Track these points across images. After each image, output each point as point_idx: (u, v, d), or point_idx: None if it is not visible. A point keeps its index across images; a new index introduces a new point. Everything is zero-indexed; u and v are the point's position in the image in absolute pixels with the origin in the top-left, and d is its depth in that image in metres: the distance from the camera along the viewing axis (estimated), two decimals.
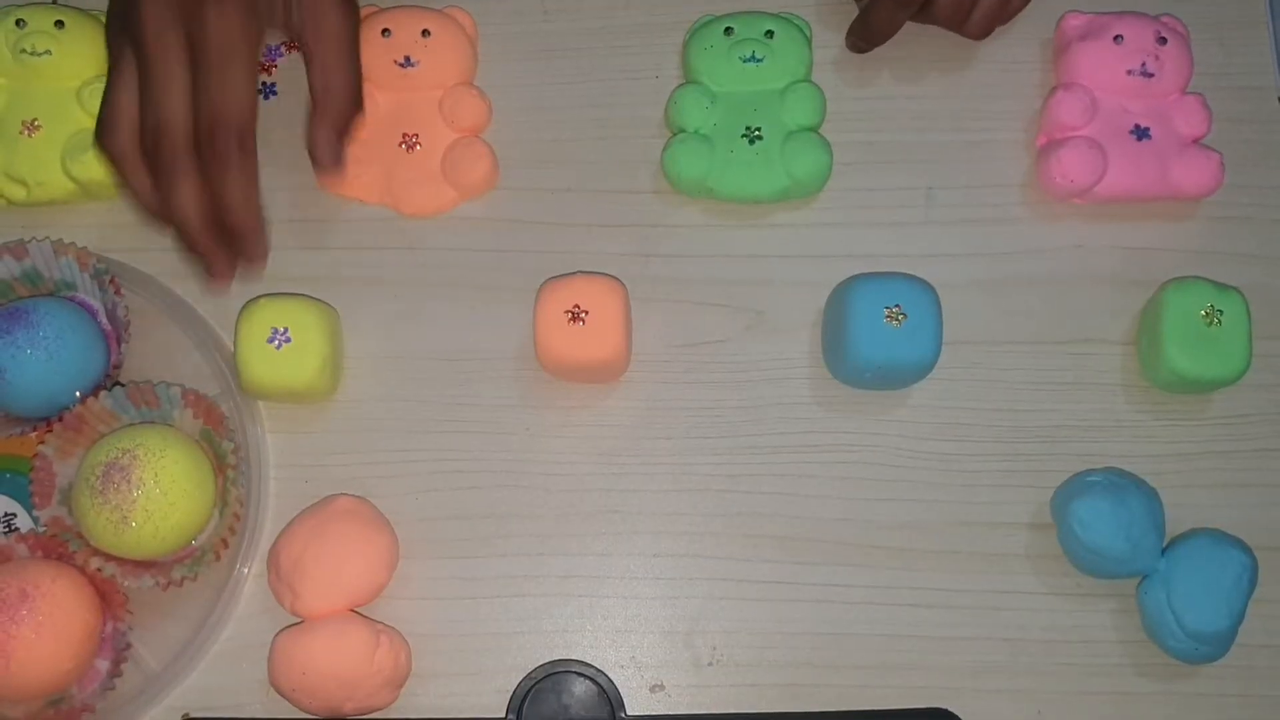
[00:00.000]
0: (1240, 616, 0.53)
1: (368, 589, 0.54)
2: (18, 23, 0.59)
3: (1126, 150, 0.58)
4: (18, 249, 0.57)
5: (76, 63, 0.59)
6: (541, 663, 0.54)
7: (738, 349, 0.58)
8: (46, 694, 0.52)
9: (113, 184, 0.58)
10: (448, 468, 0.57)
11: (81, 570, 0.53)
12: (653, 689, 0.55)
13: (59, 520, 0.53)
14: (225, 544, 0.54)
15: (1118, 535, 0.53)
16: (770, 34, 0.59)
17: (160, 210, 0.53)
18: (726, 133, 0.58)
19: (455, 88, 0.60)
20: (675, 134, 0.59)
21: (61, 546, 0.53)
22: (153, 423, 0.55)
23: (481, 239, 0.60)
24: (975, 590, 0.56)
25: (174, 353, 0.58)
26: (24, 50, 0.58)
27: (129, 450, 0.52)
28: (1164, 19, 0.60)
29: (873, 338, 0.54)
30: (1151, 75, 0.59)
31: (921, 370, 0.56)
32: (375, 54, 0.59)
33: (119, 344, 0.56)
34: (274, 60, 0.62)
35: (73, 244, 0.57)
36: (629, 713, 0.54)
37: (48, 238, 0.57)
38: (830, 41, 0.62)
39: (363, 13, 0.61)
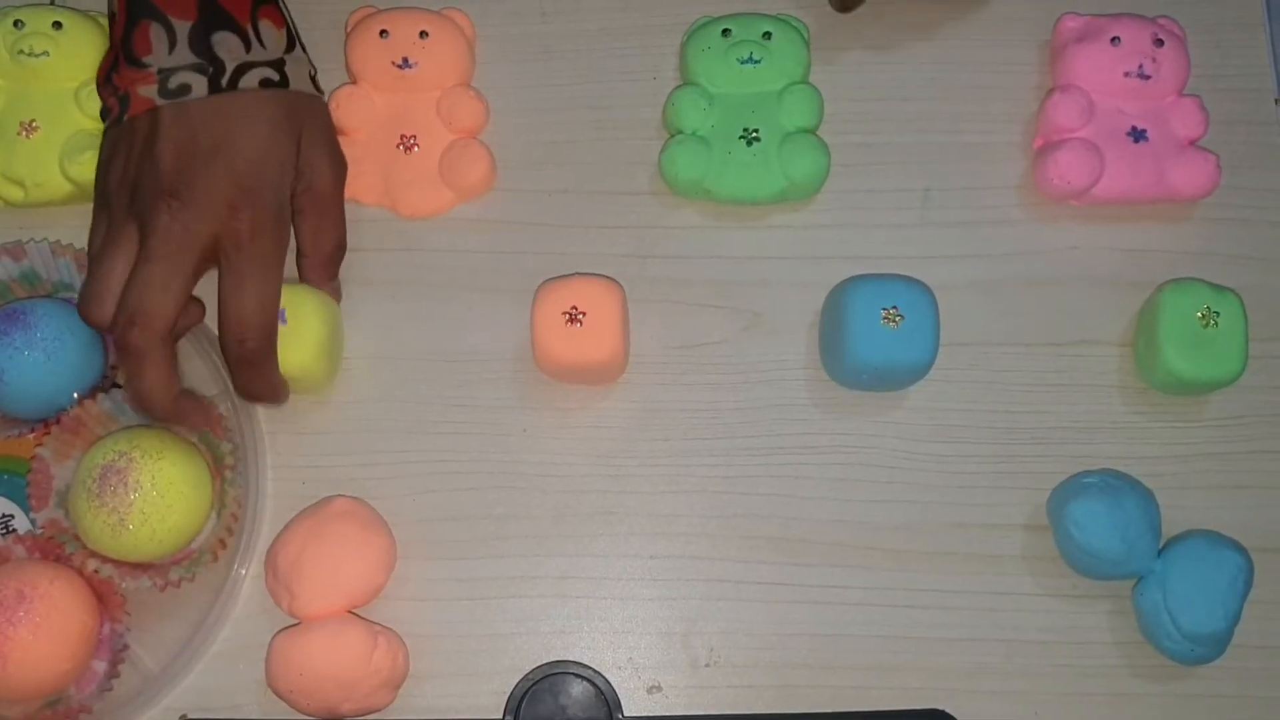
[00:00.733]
0: (1236, 618, 0.53)
1: (365, 590, 0.54)
2: (16, 24, 0.59)
3: (1123, 152, 0.58)
4: (15, 250, 0.57)
5: (74, 64, 0.59)
6: (539, 664, 0.54)
7: (735, 350, 0.58)
8: (44, 695, 0.52)
9: None
10: (445, 469, 0.57)
11: (79, 572, 0.53)
12: (650, 690, 0.55)
13: (56, 522, 0.53)
14: (223, 545, 0.54)
15: (1113, 537, 0.53)
16: (768, 36, 0.59)
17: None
18: (724, 134, 0.58)
19: (453, 89, 0.60)
20: (673, 135, 0.59)
21: (59, 548, 0.53)
22: (150, 425, 0.55)
23: (479, 240, 0.60)
24: (971, 591, 0.56)
25: None
26: (22, 51, 0.58)
27: (126, 453, 0.52)
28: (1161, 21, 0.60)
29: (870, 339, 0.54)
30: (1148, 77, 0.59)
31: (918, 371, 0.56)
32: (373, 55, 0.60)
33: None
34: None
35: (70, 245, 0.57)
36: (626, 714, 0.54)
37: (45, 239, 0.57)
38: (828, 44, 0.62)
39: (360, 14, 0.61)
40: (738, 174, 0.58)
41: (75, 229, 0.59)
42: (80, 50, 0.59)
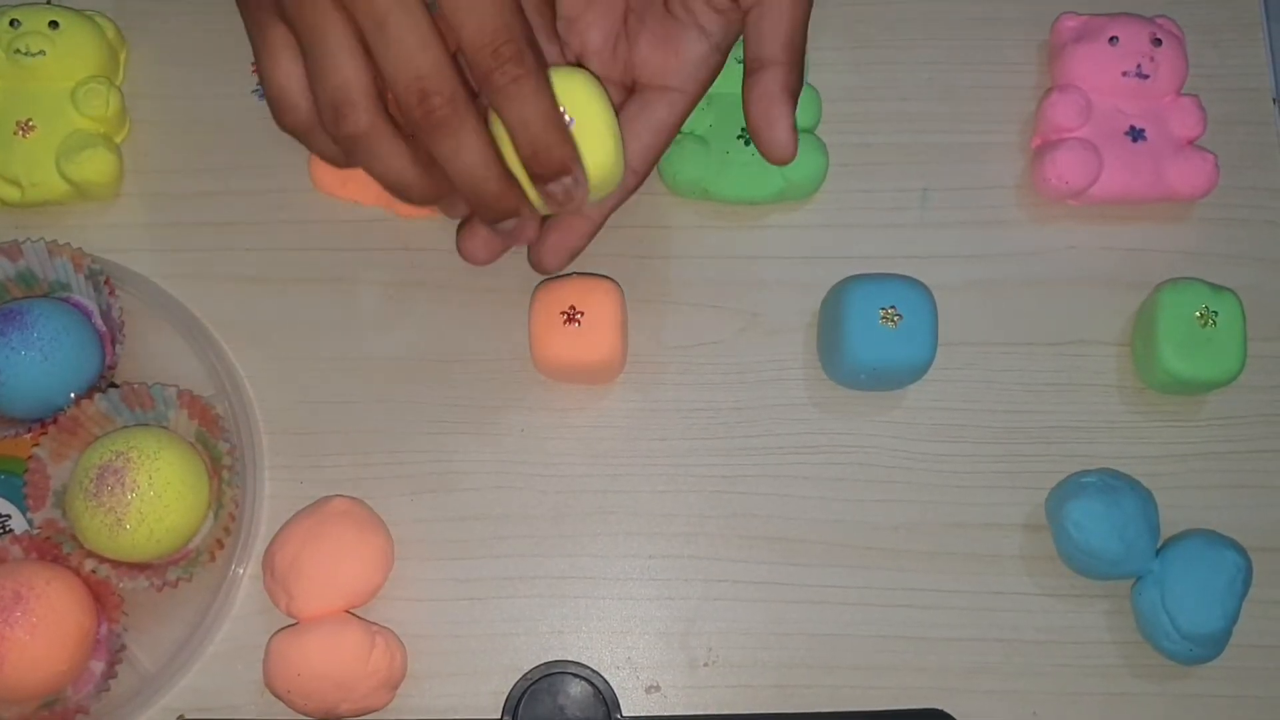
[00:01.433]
0: (1234, 617, 0.53)
1: (363, 590, 0.54)
2: (12, 23, 0.59)
3: (1121, 152, 0.59)
4: (12, 250, 0.56)
5: (71, 63, 0.59)
6: (537, 664, 0.54)
7: (733, 350, 0.58)
8: (41, 696, 0.52)
9: (110, 185, 0.58)
10: (443, 469, 0.57)
11: (76, 572, 0.53)
12: (648, 690, 0.55)
13: (53, 523, 0.53)
14: (220, 545, 0.54)
15: (1112, 536, 0.53)
16: None
17: (424, 181, 0.47)
18: (722, 134, 0.58)
19: None
20: None
21: (56, 548, 0.53)
22: (147, 425, 0.55)
23: None
24: (970, 591, 0.56)
25: (169, 354, 0.57)
26: (18, 50, 0.58)
27: (123, 453, 0.52)
28: (1159, 21, 0.60)
29: (868, 339, 0.54)
30: (1147, 77, 0.59)
31: (917, 371, 0.56)
32: None
33: (114, 345, 0.56)
34: None
35: (67, 245, 0.57)
36: (625, 713, 0.54)
37: (42, 239, 0.57)
38: (826, 43, 0.62)
39: None
40: (736, 174, 0.58)
41: (72, 229, 0.59)
42: (77, 50, 0.59)
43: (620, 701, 0.54)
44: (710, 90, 0.59)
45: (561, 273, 0.56)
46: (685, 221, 0.60)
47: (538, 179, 0.47)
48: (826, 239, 0.60)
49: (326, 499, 0.55)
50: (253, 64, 0.62)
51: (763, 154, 0.50)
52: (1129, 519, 0.53)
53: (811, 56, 0.60)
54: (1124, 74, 0.59)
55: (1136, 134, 0.59)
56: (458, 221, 0.60)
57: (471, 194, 0.47)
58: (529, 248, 0.53)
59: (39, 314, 0.54)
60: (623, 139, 0.49)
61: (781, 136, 0.49)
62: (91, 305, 0.57)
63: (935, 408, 0.58)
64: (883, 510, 0.57)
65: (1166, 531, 0.55)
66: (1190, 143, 0.59)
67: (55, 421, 0.54)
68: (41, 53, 0.58)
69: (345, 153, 0.46)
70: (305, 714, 0.53)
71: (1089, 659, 0.55)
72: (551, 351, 0.54)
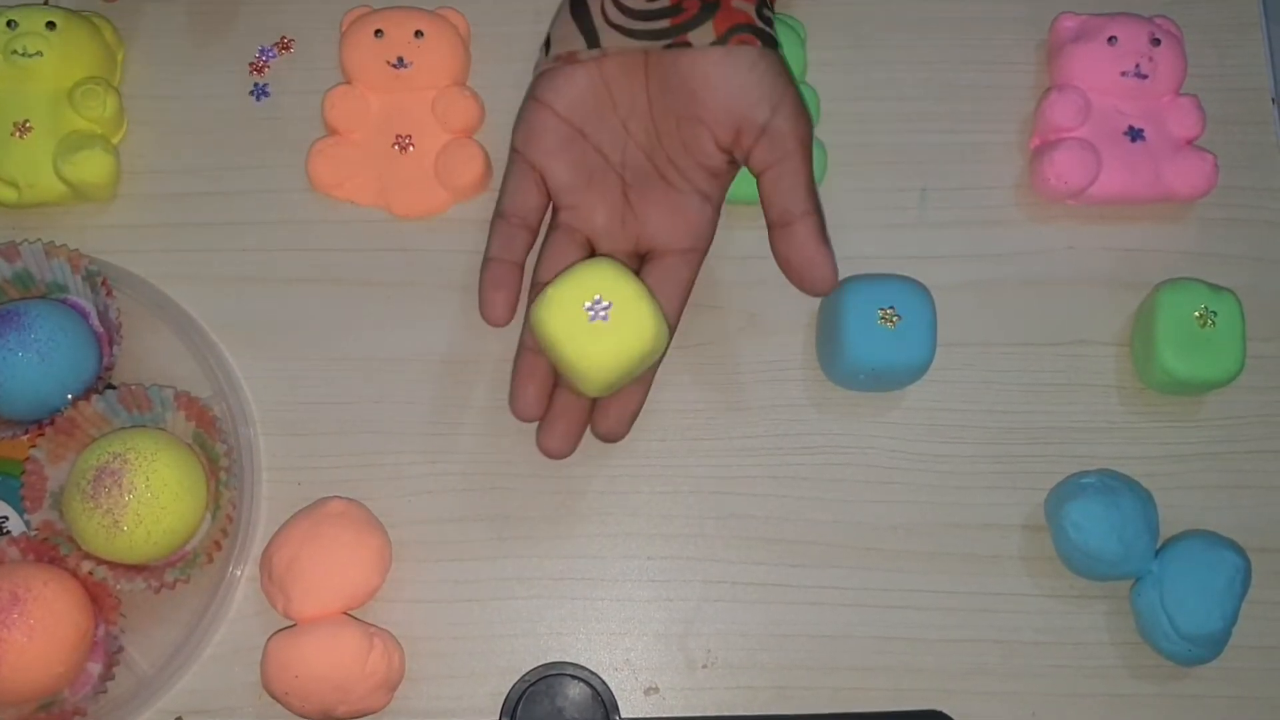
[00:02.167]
0: (1233, 618, 0.53)
1: (361, 592, 0.54)
2: (9, 24, 0.59)
3: (1120, 152, 0.58)
4: (9, 251, 0.56)
5: (68, 64, 0.59)
6: (535, 665, 0.54)
7: (732, 350, 0.58)
8: (38, 697, 0.52)
9: (107, 186, 0.58)
10: (440, 470, 0.57)
11: (73, 573, 0.53)
12: (647, 691, 0.55)
13: (50, 524, 0.53)
14: (218, 547, 0.54)
15: (1111, 537, 0.53)
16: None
17: None
18: None
19: (448, 89, 0.60)
20: None
21: (53, 550, 0.53)
22: (144, 426, 0.55)
23: (474, 240, 0.59)
24: (969, 592, 0.56)
25: (166, 355, 0.57)
26: (15, 51, 0.58)
27: (120, 454, 0.52)
28: (1158, 20, 0.60)
29: (867, 339, 0.54)
30: (1145, 77, 0.59)
31: (915, 372, 0.56)
32: (368, 55, 0.59)
33: (111, 346, 0.56)
34: (266, 61, 0.62)
35: (64, 246, 0.57)
36: (623, 715, 0.54)
37: (39, 240, 0.57)
38: (824, 43, 0.62)
39: (355, 14, 0.61)
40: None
41: (69, 230, 0.59)
42: (74, 51, 0.59)
43: (619, 703, 0.54)
44: None
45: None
46: None
47: None
48: None
49: (324, 500, 0.55)
50: (250, 64, 0.62)
51: (809, 291, 0.53)
52: (1128, 520, 0.53)
53: (811, 56, 0.60)
54: (1123, 74, 0.59)
55: (1135, 134, 0.59)
56: (452, 223, 0.60)
57: None
58: (594, 420, 0.55)
59: (36, 315, 0.54)
60: (658, 302, 0.52)
61: (828, 274, 0.52)
62: (89, 306, 0.57)
63: (934, 408, 0.58)
64: (881, 511, 0.56)
65: (1165, 532, 0.55)
66: (1189, 143, 0.59)
67: (52, 423, 0.54)
68: (39, 54, 0.58)
69: None
70: (303, 715, 0.53)
71: (1088, 660, 0.55)
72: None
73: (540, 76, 0.55)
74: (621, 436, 0.55)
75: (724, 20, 0.51)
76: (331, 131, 0.60)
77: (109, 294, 0.56)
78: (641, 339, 0.51)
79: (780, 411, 0.58)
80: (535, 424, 0.55)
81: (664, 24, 0.52)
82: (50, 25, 0.59)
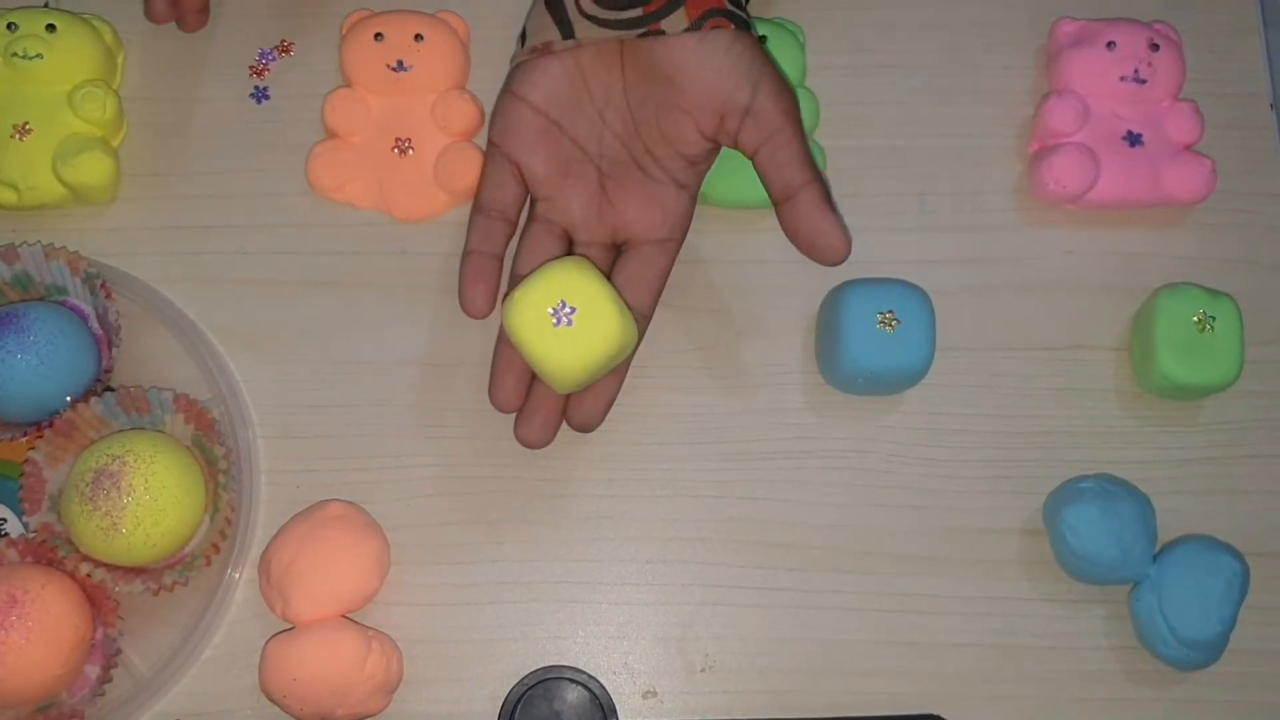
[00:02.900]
0: (1231, 623, 0.53)
1: (359, 595, 0.54)
2: (9, 26, 0.59)
3: (1119, 156, 0.59)
4: (8, 253, 0.56)
5: (68, 66, 0.59)
6: (533, 669, 0.54)
7: (731, 354, 0.58)
8: (36, 700, 0.52)
9: (106, 188, 0.58)
10: (440, 473, 0.57)
11: (71, 576, 0.53)
12: (645, 695, 0.55)
13: (49, 526, 0.53)
14: (216, 549, 0.54)
15: (1109, 542, 0.53)
16: (763, 40, 0.59)
17: None
18: None
19: (448, 92, 0.60)
20: None
21: (51, 552, 0.53)
22: (143, 428, 0.55)
23: None
24: (967, 596, 0.56)
25: (165, 357, 0.57)
26: (15, 54, 0.58)
27: (119, 457, 0.52)
28: (1156, 26, 0.60)
29: (866, 343, 0.54)
30: (1144, 82, 0.59)
31: (914, 376, 0.56)
32: (367, 58, 0.59)
33: (110, 349, 0.56)
34: (266, 64, 0.62)
35: (64, 248, 0.57)
36: (621, 719, 0.54)
37: (39, 242, 0.57)
38: (823, 48, 0.62)
39: (355, 17, 0.61)
40: (733, 179, 0.58)
41: (68, 232, 0.59)
42: (74, 53, 0.59)
43: (617, 707, 0.54)
44: None
45: None
46: None
47: None
48: None
49: (322, 503, 0.55)
50: (250, 67, 0.62)
51: (822, 261, 0.53)
52: (1126, 524, 0.53)
53: (809, 60, 0.61)
54: (1121, 79, 0.59)
55: (1134, 139, 0.59)
56: (452, 226, 0.60)
57: None
58: (569, 412, 0.55)
59: (35, 317, 0.54)
60: (624, 302, 0.52)
61: (838, 241, 0.52)
62: (88, 309, 0.57)
63: (933, 412, 0.58)
64: (880, 515, 0.56)
65: (1164, 537, 0.55)
66: (1187, 148, 0.59)
67: (51, 425, 0.54)
68: (39, 56, 0.58)
69: None
70: (301, 719, 0.53)
71: (1086, 664, 0.55)
72: None
73: (515, 69, 0.55)
74: (595, 427, 0.55)
75: (695, 7, 0.51)
76: (331, 134, 0.60)
77: (108, 296, 0.56)
78: (607, 341, 0.51)
79: (779, 415, 0.58)
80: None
81: (636, 13, 0.52)
82: (50, 28, 0.59)
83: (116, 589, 0.52)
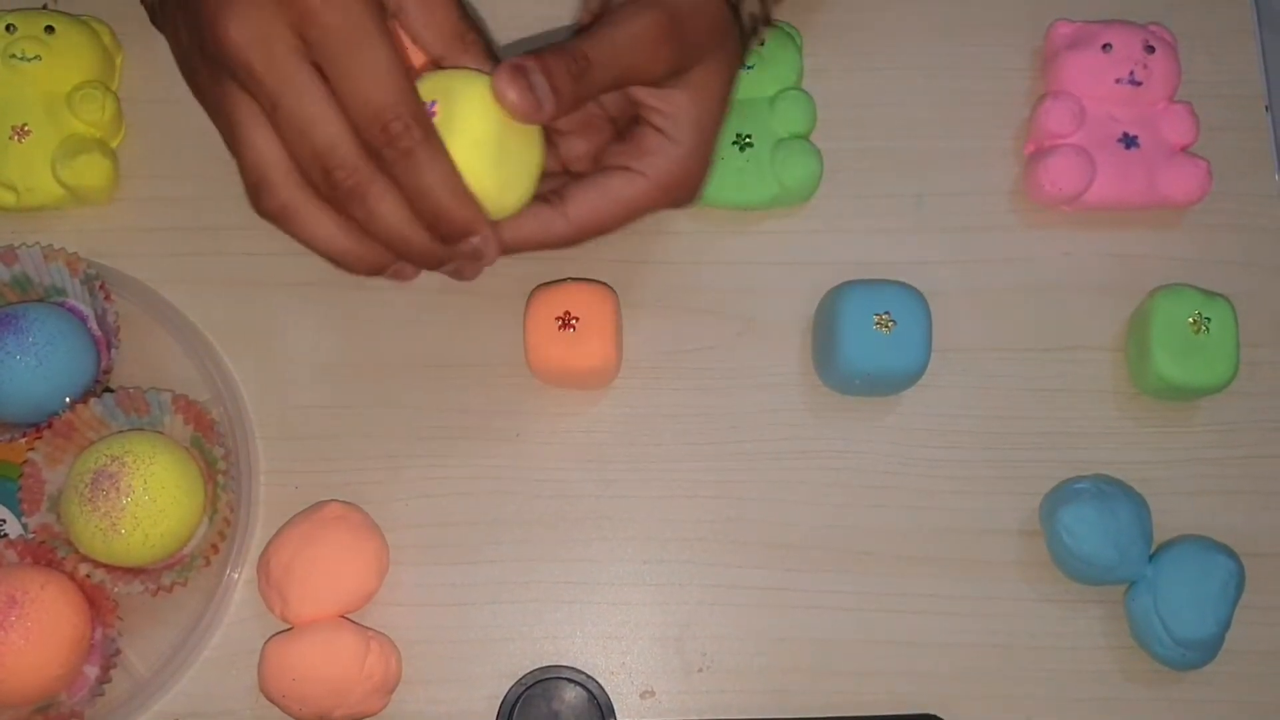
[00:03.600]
0: (1227, 623, 0.54)
1: (358, 595, 0.54)
2: (7, 28, 0.59)
3: (1114, 158, 0.59)
4: (7, 254, 0.56)
5: (66, 68, 0.59)
6: (532, 669, 0.54)
7: (728, 355, 0.59)
8: (35, 700, 0.52)
9: (105, 189, 0.58)
10: (438, 474, 0.57)
11: (70, 576, 0.53)
12: (643, 695, 0.55)
13: (48, 527, 0.53)
14: (215, 550, 0.54)
15: (1105, 542, 0.53)
16: (761, 41, 0.59)
17: (359, 249, 0.47)
18: None
19: None
20: None
21: (50, 553, 0.53)
22: (142, 429, 0.55)
23: None
24: (964, 596, 0.56)
25: (164, 359, 0.57)
26: (14, 55, 0.58)
27: (118, 457, 0.52)
28: (1152, 28, 0.61)
29: (862, 345, 0.54)
30: (1140, 84, 0.59)
31: (911, 377, 0.56)
32: None
33: (109, 350, 0.56)
34: None
35: (63, 249, 0.57)
36: (619, 719, 0.54)
37: (37, 243, 0.57)
38: (820, 49, 0.62)
39: None
40: (730, 180, 0.58)
41: (67, 233, 0.59)
42: (73, 54, 0.59)
43: (615, 706, 0.54)
44: None
45: (556, 278, 0.56)
46: (680, 227, 0.60)
47: (445, 242, 0.47)
48: (821, 245, 0.60)
49: (321, 504, 0.55)
50: None
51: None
52: (1122, 525, 0.54)
53: (807, 63, 0.61)
54: (1117, 81, 0.59)
55: (1129, 140, 0.59)
56: None
57: (403, 252, 0.47)
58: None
59: (34, 319, 0.54)
60: (518, 153, 0.47)
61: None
62: (87, 310, 0.57)
63: (929, 413, 0.58)
64: (877, 516, 0.57)
65: (1160, 537, 0.55)
66: (1183, 149, 0.59)
67: (50, 426, 0.54)
68: (37, 57, 0.58)
69: (339, 210, 0.46)
70: (300, 719, 0.53)
71: (1083, 664, 0.55)
72: (546, 357, 0.54)
73: None
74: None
75: None
76: None
77: (107, 297, 0.56)
78: (468, 169, 0.46)
79: (776, 416, 0.58)
80: (532, 436, 0.56)
81: None
82: (49, 29, 0.59)
83: (115, 589, 0.52)
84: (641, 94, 0.50)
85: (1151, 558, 0.54)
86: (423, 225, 0.46)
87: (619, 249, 0.59)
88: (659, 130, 0.50)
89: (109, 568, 0.53)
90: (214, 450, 0.54)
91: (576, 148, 0.53)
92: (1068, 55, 0.60)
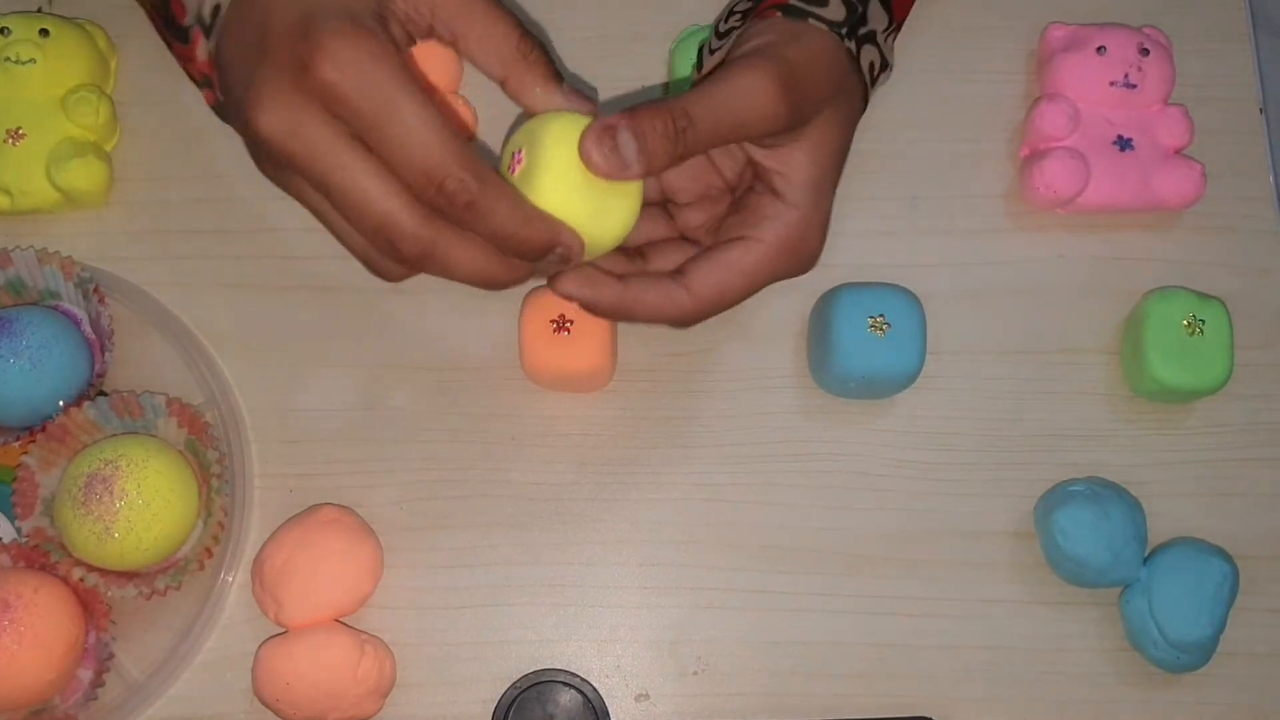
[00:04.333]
0: (1221, 625, 0.54)
1: (352, 599, 0.54)
2: (2, 31, 0.59)
3: (1109, 161, 0.59)
4: (1, 258, 0.56)
5: (61, 71, 0.59)
6: (526, 672, 0.54)
7: (723, 358, 0.59)
8: (29, 704, 0.52)
9: (99, 193, 0.58)
10: (432, 477, 0.57)
11: (64, 580, 0.53)
12: (638, 698, 0.55)
13: (41, 531, 0.53)
14: (209, 553, 0.54)
15: (1099, 545, 0.53)
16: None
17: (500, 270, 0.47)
18: None
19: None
20: None
21: (44, 556, 0.53)
22: (136, 433, 0.55)
23: None
24: (959, 599, 0.56)
25: (158, 362, 0.57)
26: (8, 59, 0.58)
27: (112, 461, 0.52)
28: (1147, 30, 0.61)
29: (857, 347, 0.54)
30: (1134, 86, 0.59)
31: (905, 380, 0.56)
32: None
33: (103, 353, 0.56)
34: None
35: (57, 253, 0.57)
36: None
37: (31, 246, 0.57)
38: None
39: None
40: None
41: (62, 237, 0.59)
42: (67, 58, 0.59)
43: (609, 710, 0.54)
44: None
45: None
46: None
47: (530, 260, 0.46)
48: None
49: (315, 507, 0.55)
50: None
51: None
52: (1116, 527, 0.54)
53: None
54: (1112, 83, 0.59)
55: (1124, 143, 0.59)
56: None
57: (490, 284, 0.47)
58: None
59: (28, 322, 0.54)
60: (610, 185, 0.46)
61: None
62: (81, 313, 0.57)
63: (924, 416, 0.58)
64: (871, 518, 0.57)
65: (1154, 539, 0.55)
66: (1177, 152, 0.59)
67: (44, 429, 0.54)
68: (32, 61, 0.58)
69: (427, 269, 0.46)
70: None
71: (1077, 667, 0.55)
72: (541, 360, 0.54)
73: None
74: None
75: None
76: None
77: (101, 301, 0.56)
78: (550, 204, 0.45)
79: (771, 419, 0.58)
80: (527, 439, 0.55)
81: None
82: (43, 33, 0.59)
83: (109, 593, 0.52)
84: (758, 155, 0.50)
85: (1146, 560, 0.54)
86: (505, 256, 0.46)
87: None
88: (776, 194, 0.50)
89: (103, 571, 0.53)
90: (208, 454, 0.54)
91: (693, 219, 0.53)
92: (1062, 58, 0.60)
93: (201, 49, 0.49)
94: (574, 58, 0.62)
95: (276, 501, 0.56)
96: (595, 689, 0.54)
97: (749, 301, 0.59)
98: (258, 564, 0.54)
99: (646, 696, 0.55)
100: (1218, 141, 0.61)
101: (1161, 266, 0.60)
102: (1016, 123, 0.62)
